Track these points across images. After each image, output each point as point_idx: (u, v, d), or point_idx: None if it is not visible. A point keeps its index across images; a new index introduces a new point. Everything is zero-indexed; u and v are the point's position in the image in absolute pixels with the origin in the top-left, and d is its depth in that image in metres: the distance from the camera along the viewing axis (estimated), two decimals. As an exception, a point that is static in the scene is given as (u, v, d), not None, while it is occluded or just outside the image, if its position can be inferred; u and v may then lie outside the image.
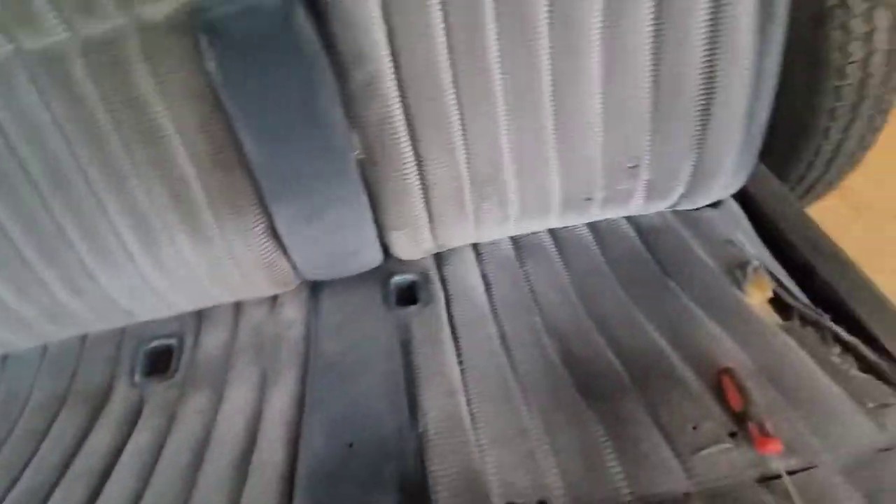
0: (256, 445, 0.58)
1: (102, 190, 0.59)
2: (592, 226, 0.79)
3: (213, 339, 0.72)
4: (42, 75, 0.54)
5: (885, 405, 0.50)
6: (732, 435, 0.51)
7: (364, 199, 0.63)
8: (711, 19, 0.57)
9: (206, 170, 0.57)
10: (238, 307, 0.75)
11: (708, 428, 0.51)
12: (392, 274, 0.75)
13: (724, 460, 0.49)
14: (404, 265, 0.76)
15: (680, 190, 0.72)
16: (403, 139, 0.61)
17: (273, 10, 0.48)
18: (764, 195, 0.77)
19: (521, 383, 0.60)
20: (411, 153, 0.62)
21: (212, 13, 0.48)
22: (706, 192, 0.73)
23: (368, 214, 0.64)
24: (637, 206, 0.74)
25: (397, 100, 0.58)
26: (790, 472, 0.47)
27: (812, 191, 0.83)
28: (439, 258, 0.77)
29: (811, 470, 0.47)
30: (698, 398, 0.54)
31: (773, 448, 0.47)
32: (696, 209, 0.77)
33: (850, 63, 0.67)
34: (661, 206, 0.75)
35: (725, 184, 0.72)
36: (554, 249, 0.77)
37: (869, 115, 0.71)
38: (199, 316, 0.75)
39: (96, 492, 0.58)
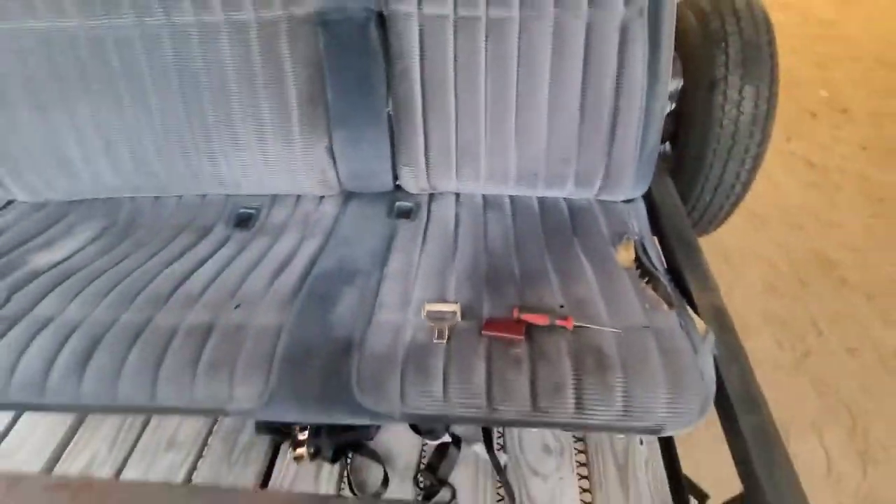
0: (288, 266, 0.97)
1: (244, 105, 1.02)
2: (540, 200, 1.13)
3: (278, 213, 1.13)
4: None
5: (655, 307, 0.81)
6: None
7: (387, 139, 1.02)
8: (618, 77, 0.92)
9: (304, 102, 0.99)
10: (298, 199, 1.16)
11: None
12: (397, 200, 1.13)
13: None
14: (407, 196, 1.14)
15: (598, 183, 1.05)
16: (418, 110, 0.99)
17: (359, 20, 0.90)
18: (664, 203, 1.08)
19: (456, 273, 0.95)
20: (421, 120, 1.00)
21: (326, 17, 0.90)
22: (618, 189, 1.05)
23: (388, 151, 1.03)
24: (570, 190, 1.08)
25: (419, 84, 0.97)
26: (580, 327, 0.79)
27: (709, 210, 1.12)
28: (431, 197, 1.14)
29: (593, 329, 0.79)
30: (554, 293, 0.87)
31: (567, 324, 0.79)
32: (615, 202, 1.09)
33: (727, 119, 0.97)
34: (588, 193, 1.08)
35: (630, 186, 1.04)
36: (510, 210, 1.12)
37: (740, 158, 1.01)
38: (274, 199, 1.17)
39: (187, 278, 0.97)
